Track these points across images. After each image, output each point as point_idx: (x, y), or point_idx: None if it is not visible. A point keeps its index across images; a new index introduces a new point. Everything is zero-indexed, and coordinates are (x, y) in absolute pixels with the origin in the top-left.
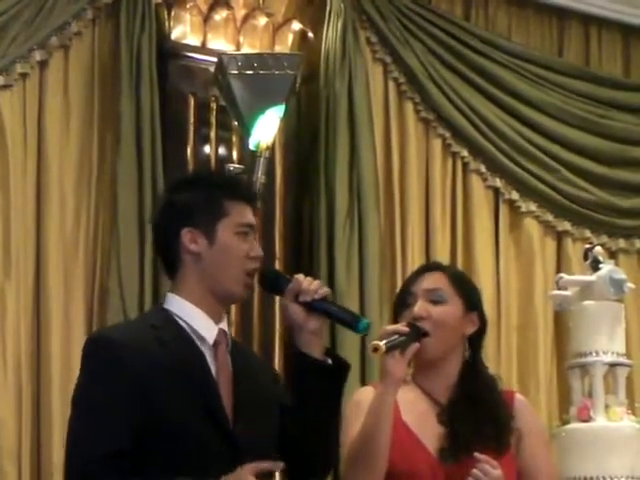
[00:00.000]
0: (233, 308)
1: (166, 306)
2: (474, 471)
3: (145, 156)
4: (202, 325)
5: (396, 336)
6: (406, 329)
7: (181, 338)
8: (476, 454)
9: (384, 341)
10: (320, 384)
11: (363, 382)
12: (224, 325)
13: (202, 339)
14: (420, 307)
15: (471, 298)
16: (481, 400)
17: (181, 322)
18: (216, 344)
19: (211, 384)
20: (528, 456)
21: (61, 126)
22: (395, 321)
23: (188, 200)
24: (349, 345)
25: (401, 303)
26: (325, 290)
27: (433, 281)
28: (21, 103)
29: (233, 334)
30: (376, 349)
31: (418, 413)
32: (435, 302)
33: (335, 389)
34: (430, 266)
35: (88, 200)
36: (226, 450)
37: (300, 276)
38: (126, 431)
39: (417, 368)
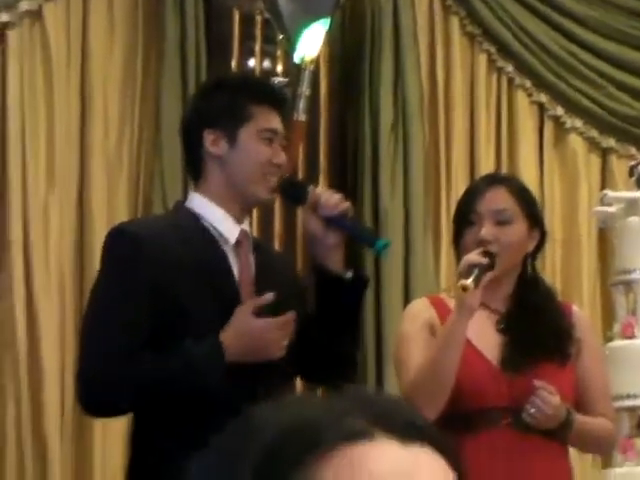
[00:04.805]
0: (254, 212)
1: (188, 205)
2: (535, 399)
3: (189, 71)
4: (224, 225)
5: (476, 269)
6: (485, 260)
7: (203, 237)
8: (535, 381)
9: (470, 279)
10: (337, 296)
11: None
12: (246, 226)
13: (224, 239)
14: (488, 231)
15: (535, 215)
16: (542, 310)
17: (203, 221)
18: (238, 244)
19: (232, 284)
20: (585, 368)
21: (105, 40)
22: (456, 238)
23: (213, 103)
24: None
25: (464, 220)
26: (344, 205)
27: (499, 200)
28: (65, 14)
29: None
30: (465, 288)
31: (477, 325)
32: (502, 223)
33: (353, 301)
34: (494, 179)
35: (132, 116)
36: None
37: (320, 189)
38: (141, 325)
39: None
